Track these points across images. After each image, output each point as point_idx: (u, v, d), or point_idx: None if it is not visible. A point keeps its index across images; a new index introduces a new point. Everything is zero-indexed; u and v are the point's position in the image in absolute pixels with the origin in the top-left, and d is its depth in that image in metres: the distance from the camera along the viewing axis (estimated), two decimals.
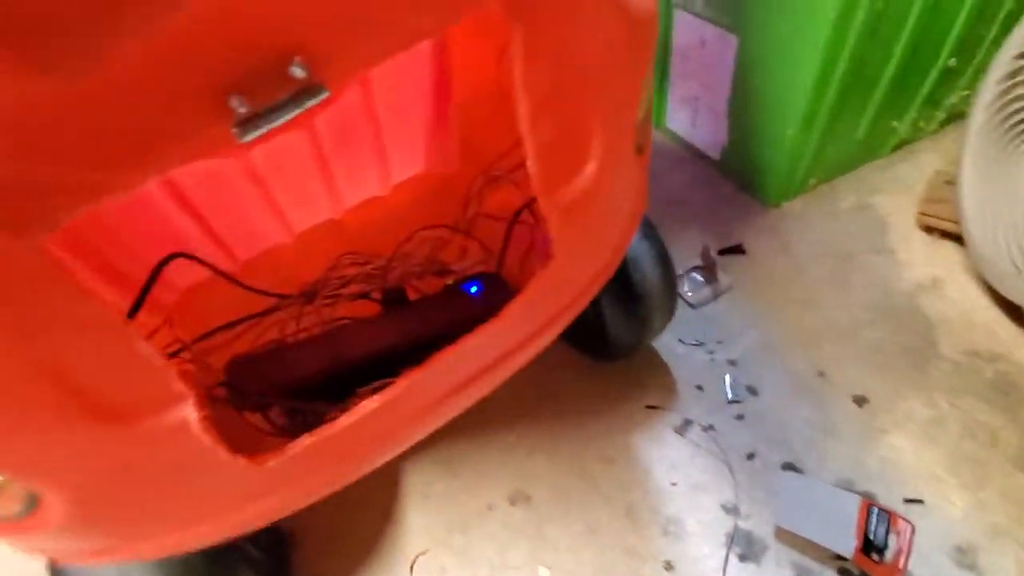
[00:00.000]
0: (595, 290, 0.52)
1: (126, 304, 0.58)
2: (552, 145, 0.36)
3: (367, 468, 0.46)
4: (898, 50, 0.91)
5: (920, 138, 1.17)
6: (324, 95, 0.26)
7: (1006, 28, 0.98)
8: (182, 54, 0.22)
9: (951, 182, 0.98)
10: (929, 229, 0.99)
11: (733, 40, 0.99)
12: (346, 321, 0.78)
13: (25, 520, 0.31)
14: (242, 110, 0.24)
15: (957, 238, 0.94)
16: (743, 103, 1.05)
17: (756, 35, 0.94)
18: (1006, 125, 0.74)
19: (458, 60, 0.71)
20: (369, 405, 0.38)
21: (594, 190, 0.40)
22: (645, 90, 0.45)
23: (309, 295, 0.80)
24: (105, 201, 0.24)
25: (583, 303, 0.52)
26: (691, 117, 1.21)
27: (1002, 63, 0.75)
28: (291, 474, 0.39)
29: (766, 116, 1.01)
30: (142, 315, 0.60)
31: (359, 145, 0.73)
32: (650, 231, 0.76)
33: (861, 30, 0.83)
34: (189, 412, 0.30)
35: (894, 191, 1.10)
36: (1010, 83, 0.73)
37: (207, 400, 0.50)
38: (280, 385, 0.67)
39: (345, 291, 0.81)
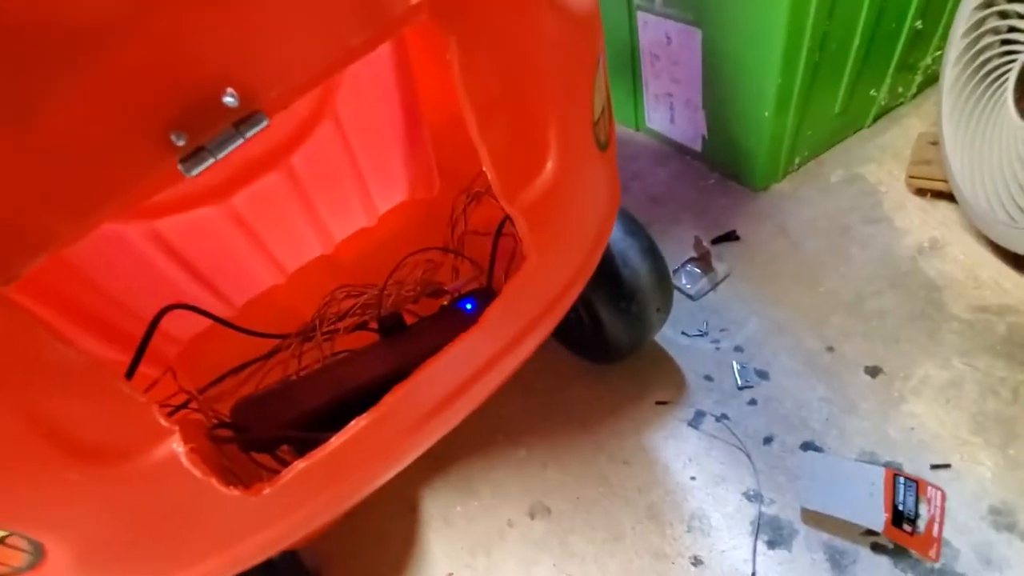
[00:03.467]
0: (578, 287, 0.52)
1: (127, 360, 0.59)
2: (506, 149, 0.37)
3: (366, 489, 0.46)
4: (861, 20, 0.91)
5: (902, 103, 1.16)
6: (264, 123, 0.27)
7: None
8: (116, 95, 0.23)
9: (935, 143, 0.97)
10: (921, 192, 0.98)
11: (697, 33, 1.00)
12: (346, 354, 0.79)
13: (32, 573, 0.31)
14: (181, 144, 0.25)
15: (950, 197, 0.93)
16: (716, 93, 1.05)
17: (718, 25, 0.96)
18: (976, 79, 0.73)
19: (425, 85, 0.73)
20: (359, 423, 0.39)
21: (557, 189, 0.41)
22: (598, 87, 0.46)
23: (307, 332, 0.82)
24: (62, 248, 0.25)
25: (568, 301, 0.52)
26: (668, 114, 1.22)
27: (963, 17, 0.75)
28: (289, 502, 0.39)
29: (740, 102, 1.01)
30: (147, 369, 0.61)
31: (339, 180, 0.75)
32: (634, 226, 0.76)
33: (819, 5, 0.84)
34: (177, 446, 0.31)
35: (883, 159, 1.09)
36: (973, 35, 0.73)
37: (209, 442, 0.50)
38: (287, 422, 0.67)
39: (342, 324, 0.82)
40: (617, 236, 0.74)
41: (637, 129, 1.36)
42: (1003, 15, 0.70)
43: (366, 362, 0.75)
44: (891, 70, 1.05)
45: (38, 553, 0.30)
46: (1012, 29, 0.69)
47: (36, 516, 0.30)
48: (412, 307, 0.83)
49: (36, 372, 0.26)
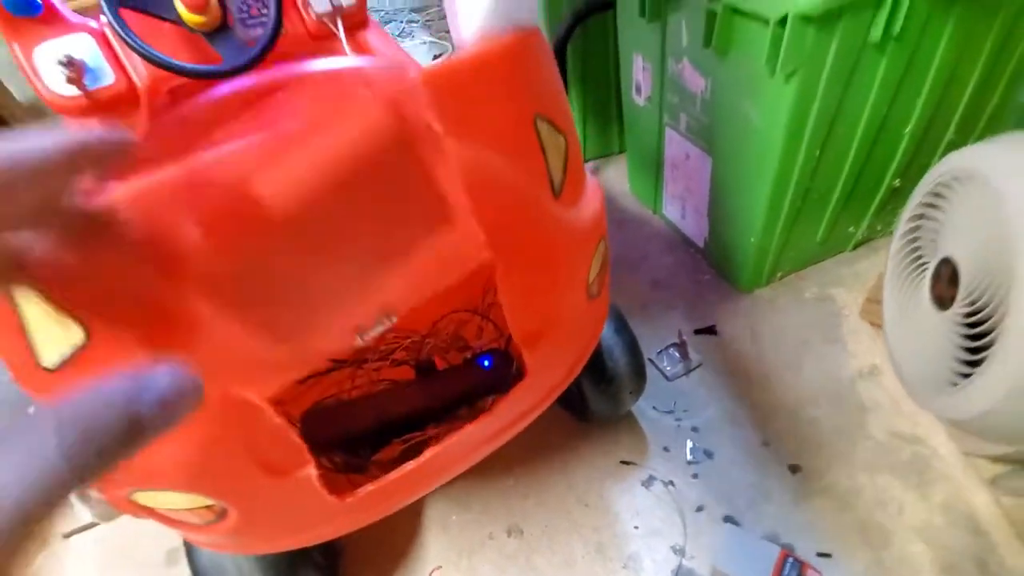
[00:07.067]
0: (565, 385, 0.74)
1: None
2: (524, 309, 0.59)
3: (405, 504, 0.69)
4: (841, 180, 1.11)
5: (881, 236, 1.35)
6: (395, 320, 0.50)
7: (960, 135, 1.17)
8: (343, 316, 0.46)
9: None
10: (873, 323, 1.17)
11: (708, 160, 1.21)
12: (387, 384, 1.02)
13: (214, 525, 0.55)
14: (360, 342, 0.48)
15: None
16: (718, 209, 1.26)
17: (723, 160, 1.16)
18: (909, 259, 0.92)
19: None
20: (407, 467, 0.61)
21: (551, 327, 0.63)
22: (596, 260, 0.68)
23: (360, 361, 1.05)
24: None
25: (556, 394, 0.74)
26: (681, 210, 1.43)
27: (912, 206, 0.94)
28: (357, 506, 0.62)
29: (734, 222, 1.21)
30: None
31: None
32: (622, 325, 0.98)
33: (805, 162, 1.03)
34: (312, 471, 0.54)
35: (853, 285, 1.28)
36: (914, 224, 0.92)
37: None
38: (342, 432, 0.91)
39: (388, 360, 1.06)
40: (607, 333, 0.95)
41: (655, 212, 1.56)
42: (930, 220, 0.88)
43: (404, 396, 0.98)
44: (869, 214, 1.24)
45: (222, 515, 0.54)
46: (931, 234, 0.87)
47: (233, 494, 0.53)
48: (443, 356, 1.06)
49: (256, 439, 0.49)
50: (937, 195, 0.85)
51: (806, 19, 0.80)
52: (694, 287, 1.35)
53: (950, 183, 0.81)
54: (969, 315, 0.76)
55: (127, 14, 0.91)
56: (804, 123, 0.96)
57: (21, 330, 0.40)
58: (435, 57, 2.84)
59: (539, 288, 0.60)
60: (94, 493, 0.56)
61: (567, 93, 1.61)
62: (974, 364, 0.74)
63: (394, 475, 0.61)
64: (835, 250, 1.32)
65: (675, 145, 1.31)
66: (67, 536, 1.11)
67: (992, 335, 0.71)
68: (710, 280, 1.36)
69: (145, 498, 0.51)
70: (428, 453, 0.62)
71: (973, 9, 0.90)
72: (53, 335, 0.40)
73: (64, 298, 0.39)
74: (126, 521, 1.10)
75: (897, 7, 0.83)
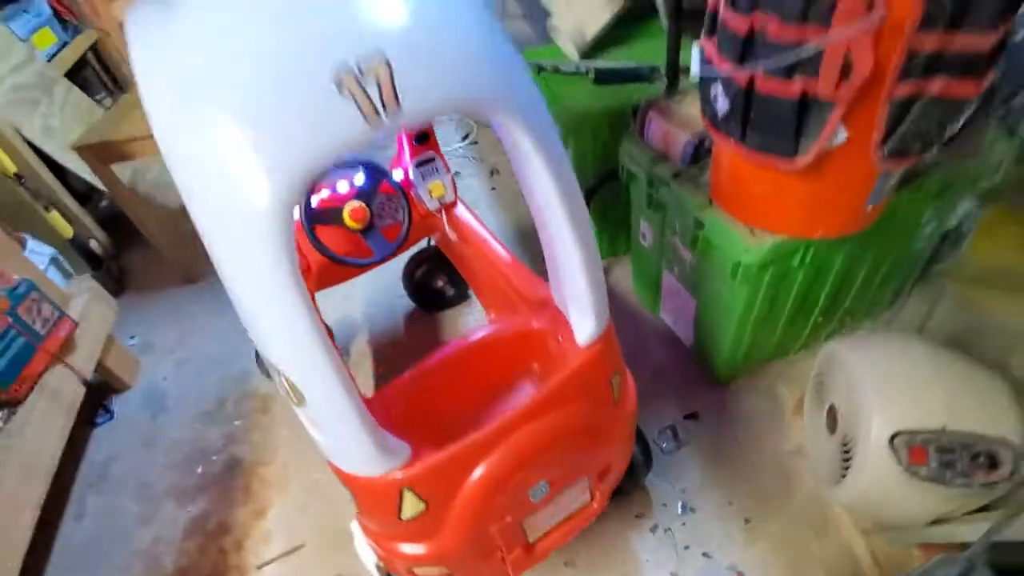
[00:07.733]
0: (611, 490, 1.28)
1: None
2: (595, 461, 1.12)
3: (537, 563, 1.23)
4: (783, 318, 1.65)
5: (814, 344, 1.90)
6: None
7: (856, 300, 1.72)
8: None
9: None
10: (801, 418, 1.72)
11: (693, 301, 1.75)
12: None
13: None
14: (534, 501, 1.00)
15: None
16: (699, 329, 1.80)
17: (703, 304, 1.70)
18: (816, 396, 1.47)
19: None
20: (540, 546, 1.14)
21: (609, 470, 1.16)
22: (612, 388, 1.21)
23: None
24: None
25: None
26: (673, 320, 1.97)
27: (816, 366, 1.49)
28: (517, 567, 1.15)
29: (711, 340, 1.75)
30: None
31: None
32: (637, 432, 1.51)
33: (757, 315, 1.56)
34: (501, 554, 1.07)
35: (794, 381, 1.83)
36: (816, 374, 1.47)
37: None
38: None
39: None
40: None
41: (654, 314, 2.10)
42: None
43: None
44: (804, 335, 1.79)
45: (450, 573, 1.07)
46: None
47: (461, 567, 1.06)
48: None
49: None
50: (826, 362, 1.40)
51: (750, 265, 1.33)
52: (684, 378, 1.89)
53: (830, 359, 1.36)
54: (843, 442, 1.31)
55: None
56: (755, 300, 1.50)
57: (399, 503, 0.92)
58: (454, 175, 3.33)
59: (604, 451, 1.13)
60: (382, 564, 1.08)
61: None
62: (844, 475, 1.30)
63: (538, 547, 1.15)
64: (782, 355, 1.87)
65: (670, 283, 1.85)
66: (259, 567, 1.63)
67: (852, 459, 1.26)
68: (696, 373, 1.90)
69: (420, 571, 1.04)
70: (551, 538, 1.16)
71: (853, 245, 1.45)
72: (412, 505, 0.93)
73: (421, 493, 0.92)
74: (303, 553, 1.63)
75: (807, 253, 1.37)
